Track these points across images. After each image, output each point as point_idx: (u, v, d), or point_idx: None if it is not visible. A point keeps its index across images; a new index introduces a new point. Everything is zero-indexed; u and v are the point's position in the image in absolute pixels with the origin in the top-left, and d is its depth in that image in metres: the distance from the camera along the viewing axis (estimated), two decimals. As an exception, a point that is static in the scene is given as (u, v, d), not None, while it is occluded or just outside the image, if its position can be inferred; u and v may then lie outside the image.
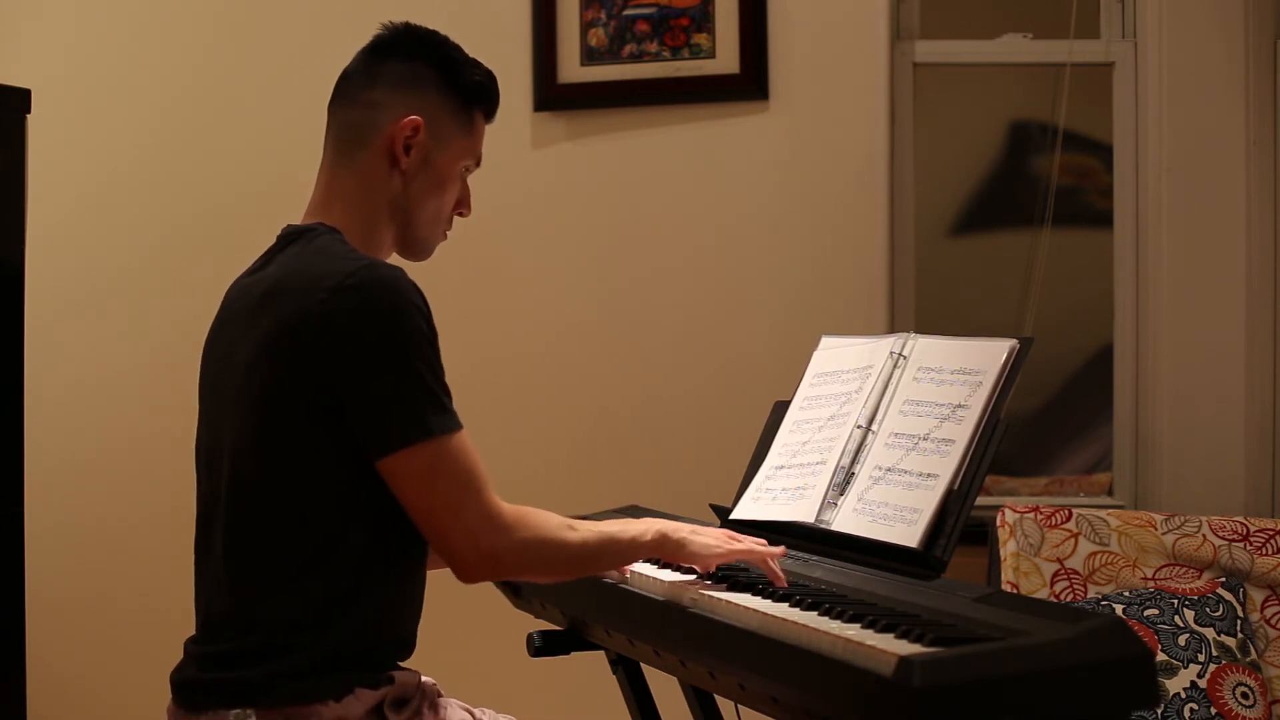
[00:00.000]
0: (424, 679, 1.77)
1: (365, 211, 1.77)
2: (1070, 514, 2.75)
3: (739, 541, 1.84)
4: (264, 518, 1.65)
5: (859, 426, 1.97)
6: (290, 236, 1.76)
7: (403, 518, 1.65)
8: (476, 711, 1.82)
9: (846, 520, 1.89)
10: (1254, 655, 2.57)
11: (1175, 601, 2.58)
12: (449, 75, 1.82)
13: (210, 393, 1.77)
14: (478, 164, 1.87)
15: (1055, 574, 2.69)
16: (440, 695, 1.79)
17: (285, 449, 1.63)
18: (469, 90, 1.83)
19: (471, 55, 1.87)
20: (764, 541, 1.86)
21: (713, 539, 1.83)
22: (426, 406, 1.61)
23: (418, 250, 1.84)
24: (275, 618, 1.63)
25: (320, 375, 1.60)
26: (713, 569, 1.85)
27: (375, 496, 1.63)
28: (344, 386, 1.60)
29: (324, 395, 1.60)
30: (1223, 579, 2.63)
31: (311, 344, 1.61)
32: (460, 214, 1.87)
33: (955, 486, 1.79)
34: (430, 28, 1.86)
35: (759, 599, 1.73)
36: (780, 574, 1.80)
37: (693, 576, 1.87)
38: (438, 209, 1.82)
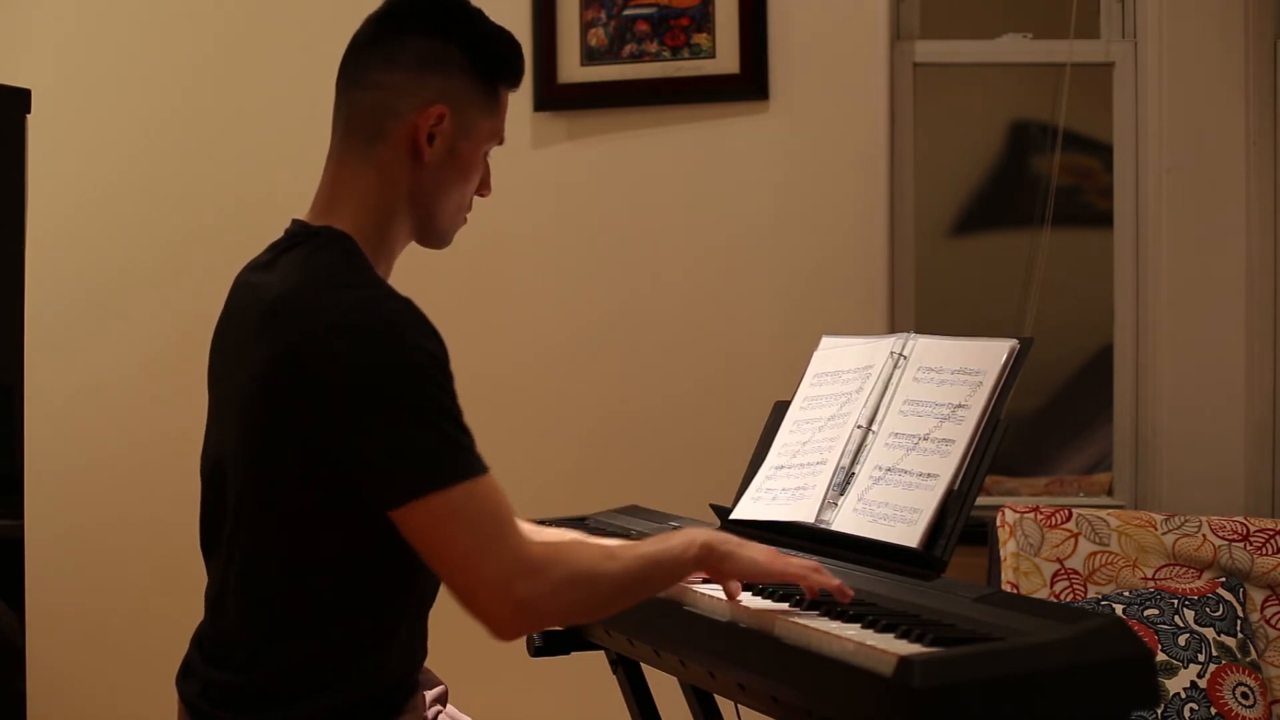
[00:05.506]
0: (431, 692, 1.73)
1: (381, 208, 1.62)
2: (1070, 514, 2.75)
3: (787, 560, 1.68)
4: (264, 556, 1.56)
5: (859, 426, 1.97)
6: (298, 237, 1.62)
7: (406, 563, 1.54)
8: None
9: (846, 520, 1.89)
10: (1254, 655, 2.56)
11: (1175, 601, 2.58)
12: (475, 53, 1.64)
13: (214, 396, 1.68)
14: (501, 142, 1.71)
15: (1055, 574, 2.69)
16: (441, 706, 1.76)
17: (280, 487, 1.53)
18: (495, 66, 1.66)
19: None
20: (814, 563, 1.71)
21: (760, 555, 1.66)
22: (436, 454, 1.45)
23: (438, 240, 1.70)
24: (278, 661, 1.55)
25: (311, 418, 1.48)
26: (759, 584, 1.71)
27: (381, 542, 1.51)
28: (338, 432, 1.46)
29: (316, 439, 1.48)
30: (1223, 579, 2.63)
31: (304, 384, 1.48)
32: (481, 194, 1.72)
33: (955, 486, 1.79)
34: None
35: (759, 599, 1.74)
36: (844, 588, 1.65)
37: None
38: (460, 198, 1.68)
